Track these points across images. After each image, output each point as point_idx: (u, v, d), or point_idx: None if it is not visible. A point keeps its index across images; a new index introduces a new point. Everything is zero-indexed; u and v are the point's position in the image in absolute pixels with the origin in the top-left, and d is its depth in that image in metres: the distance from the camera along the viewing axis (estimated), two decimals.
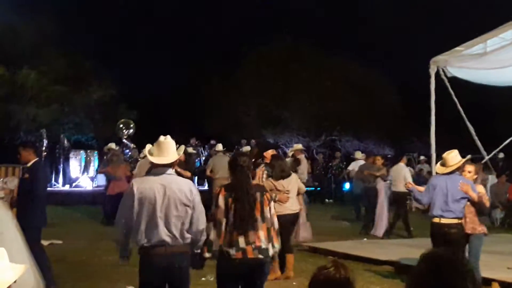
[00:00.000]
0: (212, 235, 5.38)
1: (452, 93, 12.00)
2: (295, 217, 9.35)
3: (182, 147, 5.67)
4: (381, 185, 14.36)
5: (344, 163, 23.33)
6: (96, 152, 22.22)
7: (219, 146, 17.31)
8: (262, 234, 5.43)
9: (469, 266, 2.86)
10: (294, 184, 9.29)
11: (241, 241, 5.36)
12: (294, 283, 8.88)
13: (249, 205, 5.41)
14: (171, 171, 5.31)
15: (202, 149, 22.82)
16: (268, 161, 9.66)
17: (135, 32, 33.13)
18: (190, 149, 18.76)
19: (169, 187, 5.18)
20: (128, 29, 32.35)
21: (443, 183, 7.99)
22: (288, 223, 9.08)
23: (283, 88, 28.65)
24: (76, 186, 21.20)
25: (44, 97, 23.44)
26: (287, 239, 9.23)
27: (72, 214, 16.88)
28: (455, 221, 7.91)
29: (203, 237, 5.34)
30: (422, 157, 21.75)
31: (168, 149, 5.30)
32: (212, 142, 21.93)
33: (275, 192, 9.03)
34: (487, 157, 12.49)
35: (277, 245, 5.56)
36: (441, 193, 7.94)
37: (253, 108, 29.22)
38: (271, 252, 5.49)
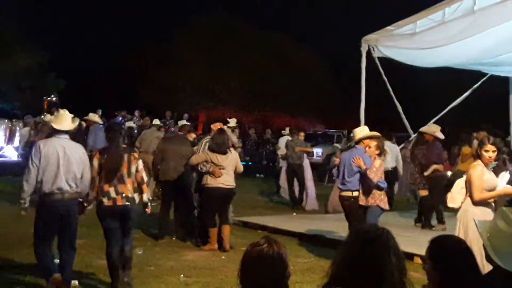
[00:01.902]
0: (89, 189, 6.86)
1: (382, 71, 12.22)
2: (228, 191, 9.45)
3: (77, 119, 7.10)
4: (307, 161, 14.70)
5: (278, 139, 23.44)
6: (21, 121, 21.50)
7: (156, 121, 17.25)
8: (129, 186, 6.90)
9: (393, 241, 2.94)
10: (231, 161, 9.42)
11: (112, 191, 6.82)
12: (223, 257, 8.93)
13: (116, 163, 6.84)
14: (67, 136, 6.78)
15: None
16: (212, 134, 9.82)
17: (67, 0, 32.09)
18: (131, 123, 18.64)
19: (68, 148, 6.70)
20: None
21: (346, 157, 8.63)
22: (219, 195, 9.34)
23: (216, 63, 28.49)
24: (0, 156, 20.51)
25: None
26: (222, 211, 9.49)
27: None
28: (349, 193, 8.53)
29: (86, 189, 6.82)
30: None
31: (65, 120, 6.77)
32: (136, 113, 21.60)
33: (209, 164, 9.24)
34: (413, 135, 12.82)
35: (145, 195, 7.07)
36: (341, 167, 8.59)
37: (186, 82, 28.95)
38: (137, 200, 6.97)
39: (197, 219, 10.10)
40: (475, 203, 6.42)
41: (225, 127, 13.52)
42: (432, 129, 11.86)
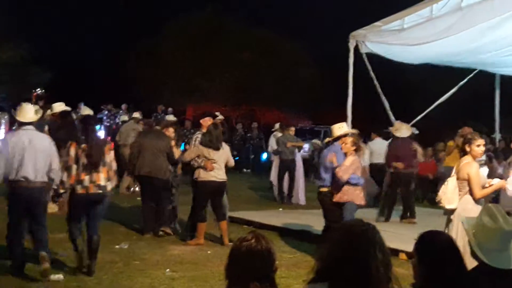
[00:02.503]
0: (65, 177, 7.22)
1: (370, 67, 12.23)
2: (220, 184, 9.54)
3: (40, 111, 7.56)
4: (299, 157, 14.70)
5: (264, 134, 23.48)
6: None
7: (136, 114, 17.07)
8: (103, 175, 7.29)
9: (378, 236, 2.95)
10: (222, 155, 9.51)
11: (86, 180, 7.20)
12: (208, 252, 8.91)
13: (98, 154, 7.26)
14: (32, 127, 7.15)
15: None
16: (204, 129, 9.86)
17: None
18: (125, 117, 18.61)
19: (34, 139, 7.08)
20: None
21: (325, 154, 8.81)
22: (211, 189, 9.45)
23: (204, 58, 28.46)
24: None
25: None
26: (216, 206, 9.60)
27: None
28: (325, 189, 8.69)
29: (58, 177, 7.17)
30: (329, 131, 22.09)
31: (28, 112, 7.15)
32: (123, 107, 21.49)
33: (202, 158, 9.35)
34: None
35: (113, 182, 7.54)
36: (321, 163, 8.82)
37: (174, 77, 28.86)
38: (109, 188, 7.37)
39: (172, 213, 10.24)
40: (477, 200, 6.49)
41: (220, 119, 13.68)
42: (396, 126, 12.00)
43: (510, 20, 9.81)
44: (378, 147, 14.37)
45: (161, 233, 9.87)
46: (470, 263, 3.56)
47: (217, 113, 14.23)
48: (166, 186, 10.21)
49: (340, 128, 8.81)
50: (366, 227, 2.98)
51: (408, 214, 11.98)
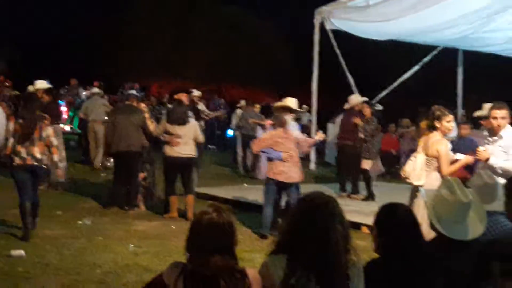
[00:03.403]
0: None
1: (335, 44, 12.26)
2: (187, 160, 9.60)
3: None
4: (260, 133, 14.74)
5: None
6: None
7: (95, 89, 16.80)
8: (38, 148, 7.78)
9: (338, 209, 2.99)
10: (188, 130, 9.56)
11: (23, 152, 7.73)
12: (173, 227, 8.90)
13: (29, 128, 7.75)
14: None
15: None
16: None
17: None
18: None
19: None
20: None
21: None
22: (177, 164, 9.57)
23: (176, 35, 28.22)
24: None
25: None
26: (185, 180, 9.76)
27: None
28: None
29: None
30: (304, 106, 22.07)
31: None
32: (95, 84, 21.17)
33: (168, 134, 9.48)
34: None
35: (55, 156, 8.07)
36: None
37: (145, 53, 28.53)
38: (45, 161, 7.91)
39: (143, 188, 10.22)
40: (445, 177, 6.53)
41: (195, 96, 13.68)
42: (354, 100, 12.02)
43: None
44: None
45: (126, 208, 9.82)
46: (429, 234, 3.64)
47: (193, 90, 14.26)
48: (137, 161, 10.12)
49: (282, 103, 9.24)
50: (327, 200, 3.01)
51: (352, 189, 11.92)
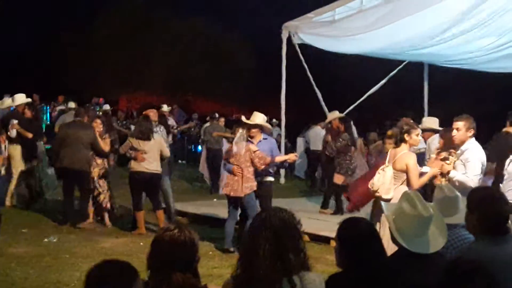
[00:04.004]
0: None
1: (302, 58, 12.35)
2: (153, 176, 9.52)
3: None
4: (225, 146, 14.78)
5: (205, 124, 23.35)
6: None
7: (72, 104, 16.75)
8: None
9: (295, 221, 3.06)
10: (154, 145, 9.51)
11: None
12: (141, 243, 8.79)
13: None
14: None
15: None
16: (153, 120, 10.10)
17: None
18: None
19: None
20: None
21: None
22: (142, 179, 9.50)
23: (135, 49, 28.12)
24: None
25: None
26: (151, 196, 9.73)
27: None
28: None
29: None
30: (274, 120, 22.18)
31: None
32: (60, 98, 20.98)
33: (132, 149, 9.45)
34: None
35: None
36: None
37: (108, 66, 28.36)
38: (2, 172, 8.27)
39: (100, 206, 10.09)
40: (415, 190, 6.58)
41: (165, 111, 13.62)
42: (330, 116, 12.12)
43: (435, 11, 10.06)
44: (314, 135, 14.74)
45: (79, 225, 9.71)
46: (391, 248, 3.67)
47: (163, 105, 14.27)
48: (87, 179, 9.99)
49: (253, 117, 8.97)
50: (285, 214, 3.04)
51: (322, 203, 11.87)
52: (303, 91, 14.33)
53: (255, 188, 8.43)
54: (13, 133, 10.93)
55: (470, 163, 6.50)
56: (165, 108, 13.88)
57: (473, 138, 6.69)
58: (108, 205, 10.07)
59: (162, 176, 9.85)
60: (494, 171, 7.97)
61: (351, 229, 3.32)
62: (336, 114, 12.03)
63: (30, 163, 11.28)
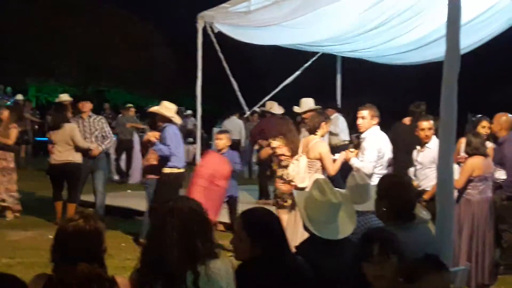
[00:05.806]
0: None
1: (218, 48, 12.19)
2: (64, 166, 9.25)
3: None
4: (136, 137, 14.93)
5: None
6: None
7: (19, 95, 16.37)
8: None
9: (203, 209, 3.06)
10: (62, 135, 9.25)
11: None
12: (50, 236, 8.17)
13: None
14: None
15: None
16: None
17: None
18: None
19: None
20: None
21: None
22: (55, 170, 9.34)
23: (48, 35, 27.12)
24: None
25: None
26: (69, 187, 9.45)
27: None
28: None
29: None
30: (189, 111, 22.00)
31: None
32: None
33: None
34: (248, 113, 13.07)
35: None
36: None
37: (17, 53, 27.18)
38: None
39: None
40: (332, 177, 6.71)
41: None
42: (268, 106, 12.29)
43: (347, 5, 10.18)
44: (231, 126, 15.09)
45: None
46: (302, 235, 3.70)
47: (62, 95, 13.75)
48: None
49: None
50: (192, 204, 3.02)
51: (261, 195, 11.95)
52: (219, 81, 14.26)
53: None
54: None
55: (366, 150, 6.75)
56: (65, 97, 13.31)
57: (377, 126, 6.93)
58: (5, 197, 9.70)
59: (80, 165, 9.39)
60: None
61: (252, 218, 3.25)
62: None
63: None
